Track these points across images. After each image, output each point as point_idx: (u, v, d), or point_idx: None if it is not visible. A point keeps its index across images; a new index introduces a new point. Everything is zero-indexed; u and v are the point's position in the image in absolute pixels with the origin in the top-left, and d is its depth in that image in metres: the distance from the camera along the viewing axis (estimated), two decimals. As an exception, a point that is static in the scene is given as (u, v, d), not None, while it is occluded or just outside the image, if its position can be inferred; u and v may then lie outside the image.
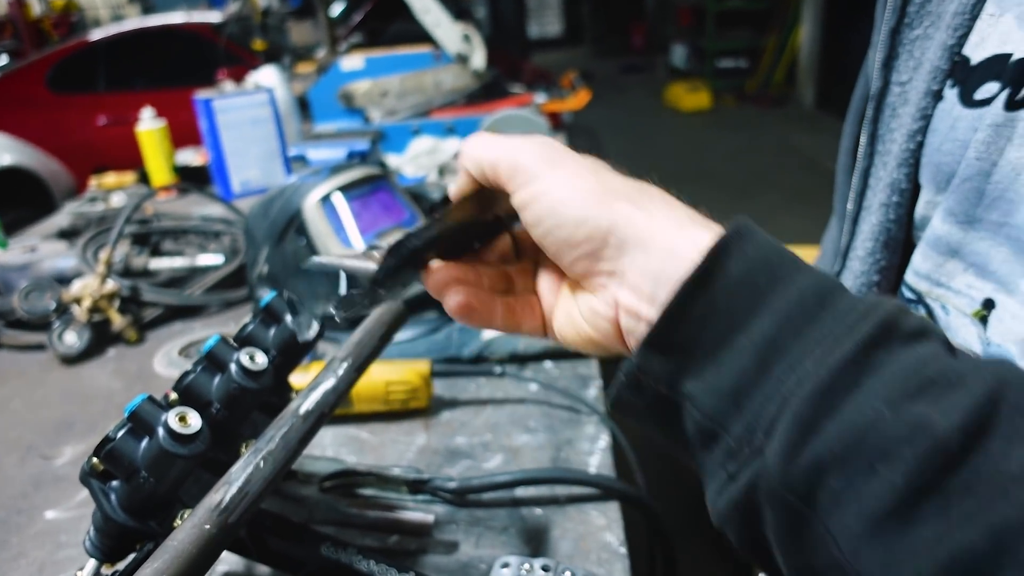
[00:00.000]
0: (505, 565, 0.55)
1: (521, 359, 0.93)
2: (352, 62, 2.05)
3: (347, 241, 1.01)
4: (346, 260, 0.40)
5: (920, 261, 0.52)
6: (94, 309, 1.05)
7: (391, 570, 0.56)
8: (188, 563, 0.33)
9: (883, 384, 0.27)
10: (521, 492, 0.70)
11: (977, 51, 0.47)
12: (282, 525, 0.57)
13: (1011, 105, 0.43)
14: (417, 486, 0.68)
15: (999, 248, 0.46)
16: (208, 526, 0.35)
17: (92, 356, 1.04)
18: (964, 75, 0.48)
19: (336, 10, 3.89)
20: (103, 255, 1.09)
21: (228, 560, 0.64)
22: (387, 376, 0.82)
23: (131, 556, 0.44)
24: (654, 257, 0.32)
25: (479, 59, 2.04)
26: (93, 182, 1.87)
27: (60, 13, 7.99)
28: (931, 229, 0.50)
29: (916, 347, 0.28)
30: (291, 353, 0.52)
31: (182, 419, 0.40)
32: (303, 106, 2.13)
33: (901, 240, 0.55)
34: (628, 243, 0.33)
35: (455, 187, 0.41)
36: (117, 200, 1.58)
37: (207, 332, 1.06)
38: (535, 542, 0.64)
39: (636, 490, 0.71)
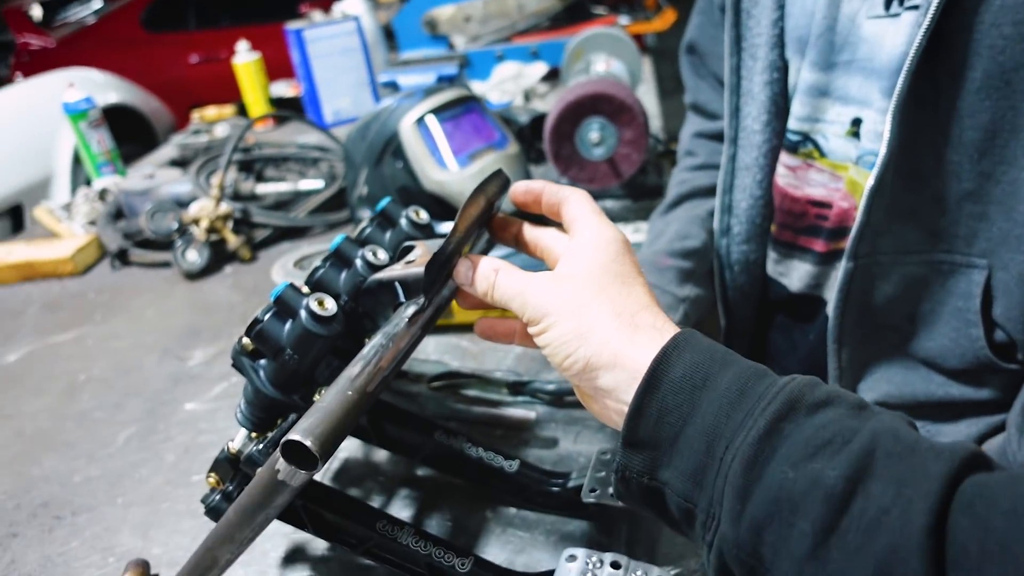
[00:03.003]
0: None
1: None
2: (436, -12, 2.04)
3: (441, 161, 1.04)
4: (395, 272, 0.46)
5: (798, 108, 0.69)
6: (211, 229, 1.13)
7: (498, 457, 0.61)
8: (335, 422, 0.38)
9: (789, 450, 0.33)
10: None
11: None
12: (399, 414, 0.62)
13: None
14: (517, 387, 0.72)
15: (853, 78, 0.63)
16: (351, 392, 0.39)
17: (212, 272, 1.12)
18: None
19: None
20: (215, 180, 1.16)
21: (348, 447, 0.70)
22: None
23: (278, 427, 0.49)
24: (620, 375, 0.39)
25: (563, -21, 1.99)
26: (195, 115, 1.97)
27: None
28: (802, 81, 0.67)
29: (818, 415, 0.34)
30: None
31: (320, 303, 0.44)
32: (388, 34, 2.15)
33: (784, 108, 0.71)
34: (602, 368, 0.40)
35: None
36: (220, 131, 1.67)
37: (313, 249, 1.13)
38: (630, 440, 0.68)
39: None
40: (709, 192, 0.87)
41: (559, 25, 2.06)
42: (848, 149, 0.67)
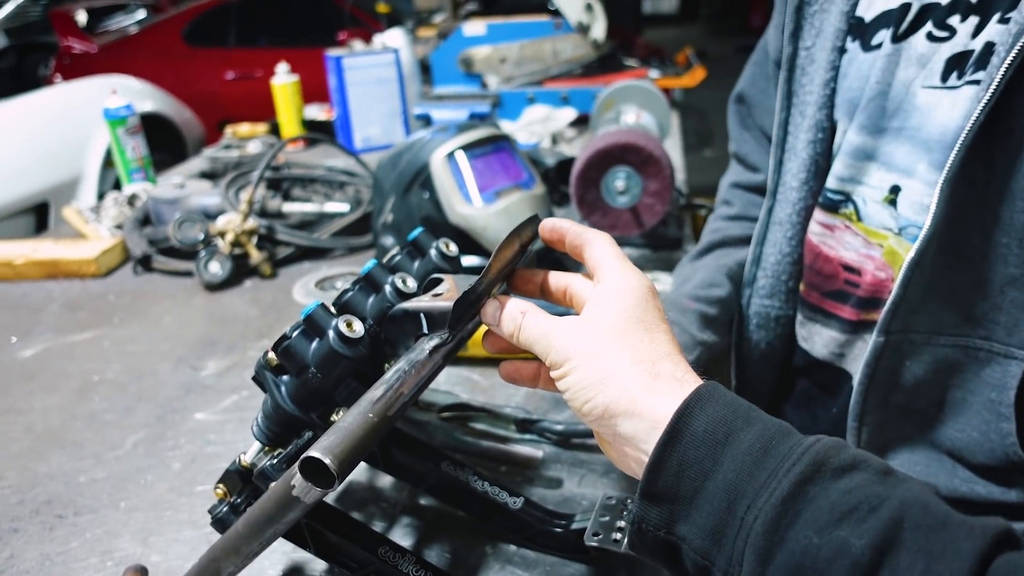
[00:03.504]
0: (609, 498, 0.59)
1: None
2: (474, 28, 2.10)
3: (467, 196, 1.06)
4: (423, 304, 0.47)
5: (840, 168, 0.68)
6: (235, 243, 1.15)
7: (503, 492, 0.61)
8: (354, 442, 0.38)
9: (814, 515, 0.33)
10: (622, 443, 0.73)
11: (868, 12, 0.66)
12: (408, 441, 0.62)
13: (896, 39, 0.62)
14: (526, 425, 0.73)
15: (900, 146, 0.63)
16: (371, 415, 0.40)
17: (231, 285, 1.14)
18: (861, 31, 0.66)
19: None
20: (245, 195, 1.19)
21: (355, 470, 0.71)
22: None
23: (291, 444, 0.50)
24: (639, 424, 0.39)
25: (599, 29, 2.04)
26: (229, 131, 2.01)
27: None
28: (847, 143, 0.67)
29: (844, 479, 0.34)
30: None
31: (349, 325, 0.45)
32: (424, 68, 2.20)
33: (825, 169, 0.71)
34: (621, 415, 0.40)
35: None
36: (252, 148, 1.70)
37: (334, 272, 1.15)
38: (634, 486, 0.67)
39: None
40: (740, 242, 0.87)
41: (591, 73, 2.11)
42: (884, 217, 0.65)
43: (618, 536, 0.55)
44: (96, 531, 0.66)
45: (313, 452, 0.37)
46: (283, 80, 1.87)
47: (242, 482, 0.52)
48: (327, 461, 0.36)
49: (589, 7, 2.01)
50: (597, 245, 0.47)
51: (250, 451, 0.53)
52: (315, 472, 0.37)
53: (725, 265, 0.84)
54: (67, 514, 0.68)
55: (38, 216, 2.53)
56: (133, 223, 1.28)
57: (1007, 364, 0.57)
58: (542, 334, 0.44)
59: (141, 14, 5.88)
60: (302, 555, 0.60)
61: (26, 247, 1.23)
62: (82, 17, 5.02)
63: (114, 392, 0.87)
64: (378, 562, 0.51)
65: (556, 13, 2.08)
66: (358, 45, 1.83)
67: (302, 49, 3.72)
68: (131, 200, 1.37)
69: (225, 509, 0.54)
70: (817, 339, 0.75)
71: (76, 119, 2.71)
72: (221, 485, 0.53)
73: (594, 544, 0.54)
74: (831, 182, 0.70)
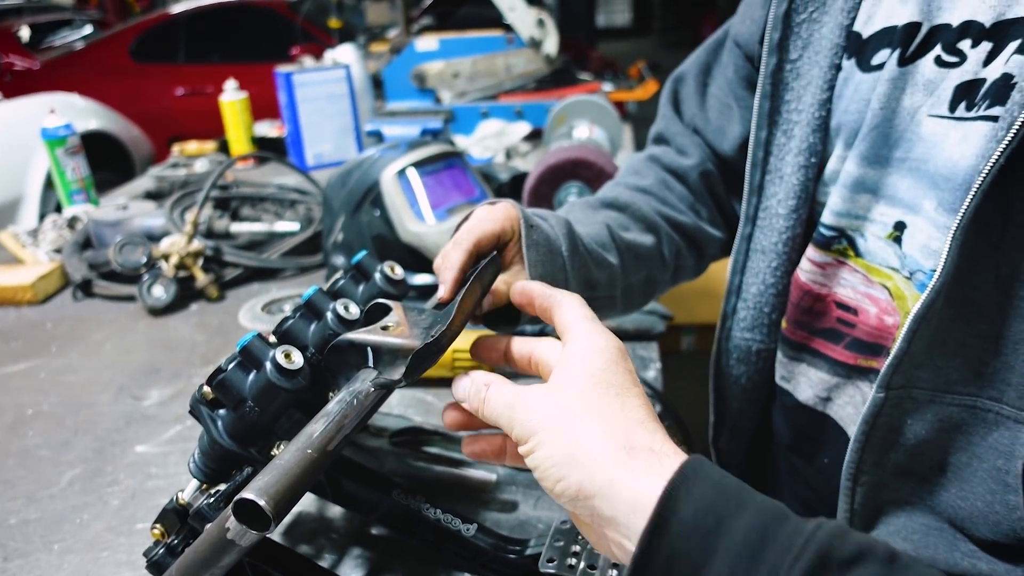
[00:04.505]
0: (564, 523, 0.58)
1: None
2: (427, 43, 2.09)
3: (419, 214, 1.05)
4: (371, 337, 0.45)
5: (838, 203, 0.62)
6: (180, 266, 1.11)
7: (455, 519, 0.59)
8: (291, 481, 0.37)
9: None
10: (578, 462, 0.72)
11: (867, 27, 0.60)
12: (357, 470, 0.60)
13: (902, 62, 0.56)
14: (480, 448, 0.71)
15: (904, 179, 0.57)
16: (310, 450, 0.38)
17: (177, 309, 1.10)
18: (858, 48, 0.60)
19: (410, -8, 3.94)
20: (190, 216, 1.15)
21: (302, 501, 0.68)
22: (454, 344, 0.85)
23: (231, 480, 0.48)
24: (619, 506, 0.36)
25: (551, 44, 2.05)
26: (176, 149, 1.96)
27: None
28: (845, 174, 0.61)
29: (851, 573, 0.31)
30: (377, 308, 0.56)
31: (287, 356, 0.44)
32: (377, 84, 2.18)
33: (813, 196, 0.66)
34: (597, 496, 0.37)
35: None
36: (199, 166, 1.66)
37: (283, 293, 1.12)
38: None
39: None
40: (642, 223, 0.72)
41: (545, 87, 2.11)
42: (887, 254, 0.59)
43: (572, 562, 0.54)
44: (27, 576, 0.62)
45: (247, 494, 0.35)
46: (232, 97, 1.83)
47: (180, 521, 0.50)
48: (262, 503, 0.35)
49: (541, 22, 2.02)
50: (566, 307, 0.45)
51: (188, 488, 0.50)
52: (250, 514, 0.36)
53: (624, 240, 0.69)
54: (-4, 559, 0.64)
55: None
56: (73, 247, 1.23)
57: (1017, 430, 0.51)
58: (505, 407, 0.41)
59: (87, 29, 5.74)
60: (247, 594, 0.58)
61: (-43, 274, 1.18)
62: (25, 33, 4.87)
63: (50, 426, 0.83)
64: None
65: (509, 28, 2.08)
66: (308, 61, 1.81)
67: (254, 64, 3.67)
68: (71, 223, 1.32)
69: (161, 551, 0.51)
70: (802, 380, 0.69)
71: (16, 139, 2.62)
72: (158, 525, 0.50)
73: (549, 571, 0.53)
74: (827, 217, 0.63)
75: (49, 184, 2.62)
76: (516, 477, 0.71)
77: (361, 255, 0.57)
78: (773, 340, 0.72)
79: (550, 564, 0.54)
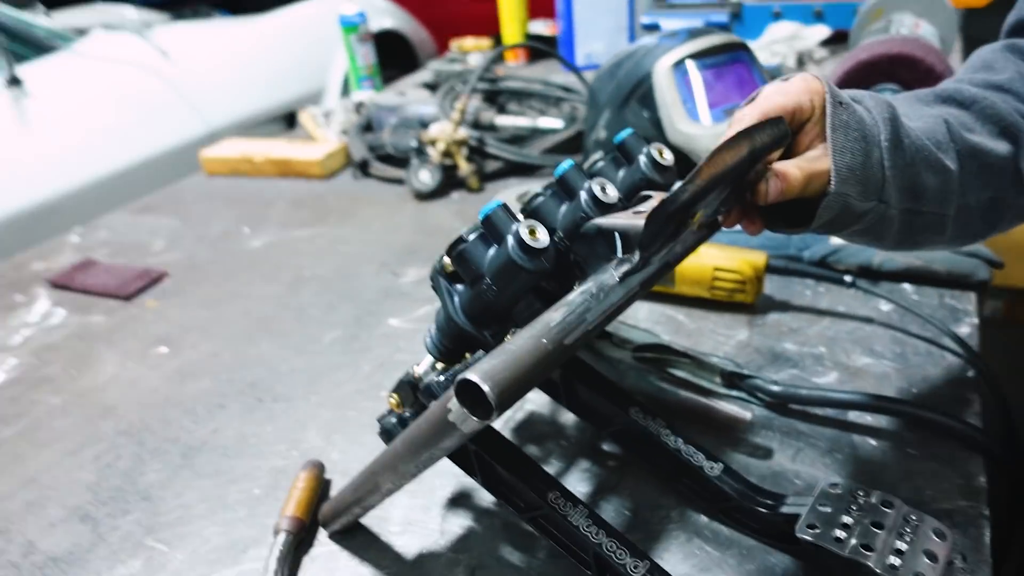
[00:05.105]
0: (834, 486, 0.47)
1: (874, 275, 0.79)
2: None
3: (694, 114, 0.93)
4: (619, 221, 0.40)
5: None
6: (446, 153, 1.13)
7: (698, 454, 0.52)
8: (520, 370, 0.32)
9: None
10: (854, 417, 0.60)
11: None
12: (595, 378, 0.55)
13: None
14: (734, 380, 0.62)
15: None
16: (545, 340, 0.33)
17: (439, 196, 1.13)
18: None
19: None
20: (458, 104, 1.16)
21: (536, 400, 0.65)
22: (716, 261, 0.75)
23: (463, 361, 0.45)
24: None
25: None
26: (454, 44, 2.01)
27: None
28: None
29: None
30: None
31: (532, 232, 0.38)
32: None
33: None
34: None
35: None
36: (474, 60, 1.68)
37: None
38: (864, 477, 0.55)
39: (1010, 452, 0.56)
40: (996, 126, 0.53)
41: (855, -17, 1.79)
42: None
43: (841, 535, 0.43)
44: (288, 420, 0.67)
45: (470, 375, 0.30)
46: (509, -8, 1.81)
47: (413, 394, 0.49)
48: (485, 387, 0.30)
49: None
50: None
51: (423, 363, 0.48)
52: (473, 398, 0.31)
53: (967, 143, 0.51)
54: (266, 399, 0.70)
55: (288, 124, 2.77)
56: (357, 128, 1.31)
57: None
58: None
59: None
60: (472, 480, 0.56)
61: (264, 146, 1.32)
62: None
63: (321, 288, 0.90)
64: (547, 508, 0.45)
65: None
66: (590, -48, 1.71)
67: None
68: (358, 107, 1.41)
69: (393, 420, 0.51)
70: None
71: (323, 33, 2.90)
72: (395, 395, 0.50)
73: (806, 538, 0.44)
74: None
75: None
76: (774, 421, 0.60)
77: (626, 133, 0.48)
78: None
79: (810, 531, 0.44)
